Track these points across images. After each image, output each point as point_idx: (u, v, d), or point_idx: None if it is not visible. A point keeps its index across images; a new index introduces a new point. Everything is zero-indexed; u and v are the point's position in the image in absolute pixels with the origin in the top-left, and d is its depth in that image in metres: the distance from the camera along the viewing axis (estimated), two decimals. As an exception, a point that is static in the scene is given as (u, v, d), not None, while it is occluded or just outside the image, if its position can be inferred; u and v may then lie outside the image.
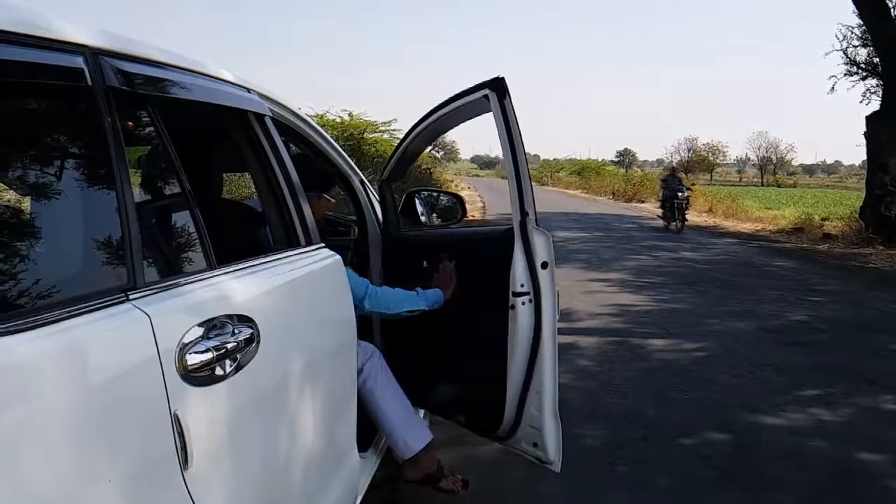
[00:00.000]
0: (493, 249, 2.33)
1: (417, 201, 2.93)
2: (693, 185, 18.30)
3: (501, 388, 2.24)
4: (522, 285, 2.13)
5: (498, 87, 2.10)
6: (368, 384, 2.26)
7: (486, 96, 2.14)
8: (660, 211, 15.64)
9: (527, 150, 2.20)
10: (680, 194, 14.52)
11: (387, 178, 2.83)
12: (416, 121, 2.61)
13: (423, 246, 2.78)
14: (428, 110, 2.51)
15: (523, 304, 2.13)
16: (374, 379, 2.28)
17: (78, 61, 1.07)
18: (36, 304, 0.95)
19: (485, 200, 23.12)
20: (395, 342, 2.75)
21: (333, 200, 2.53)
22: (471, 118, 2.45)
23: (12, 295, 0.94)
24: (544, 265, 2.13)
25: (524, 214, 2.12)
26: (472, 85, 2.21)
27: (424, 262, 2.60)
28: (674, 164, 18.81)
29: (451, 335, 2.45)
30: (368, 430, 2.42)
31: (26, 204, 1.19)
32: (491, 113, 2.18)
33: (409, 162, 2.96)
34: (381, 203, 2.86)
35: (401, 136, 2.85)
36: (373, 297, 2.24)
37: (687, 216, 14.99)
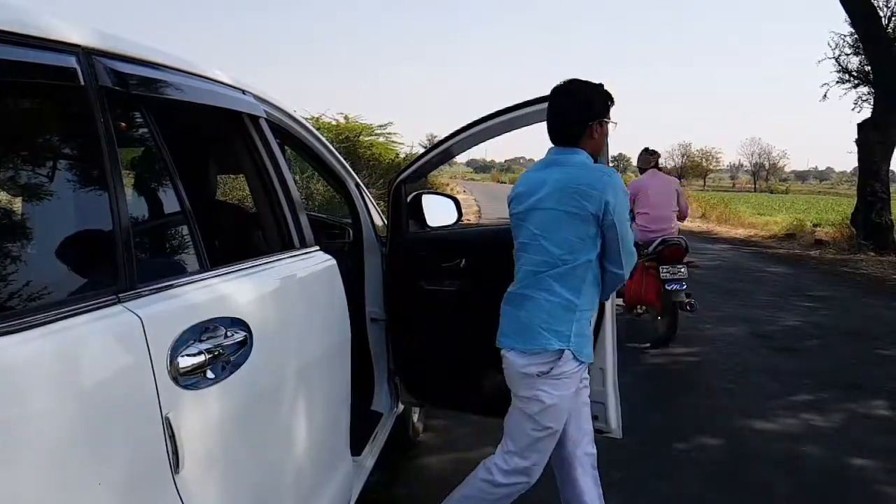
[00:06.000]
0: None
1: (424, 203, 2.83)
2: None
3: None
4: None
5: None
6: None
7: None
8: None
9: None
10: None
11: (405, 180, 2.73)
12: (470, 122, 2.56)
13: (452, 244, 2.75)
14: (493, 111, 2.48)
15: None
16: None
17: (70, 61, 1.06)
18: (26, 306, 0.94)
19: (480, 204, 23.13)
20: (429, 347, 2.71)
21: (617, 123, 2.16)
22: (542, 121, 2.46)
23: (2, 296, 0.93)
24: None
25: None
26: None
27: (462, 261, 2.61)
28: None
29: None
30: (363, 433, 2.42)
31: (17, 204, 1.18)
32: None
33: (437, 165, 2.94)
34: (395, 204, 2.72)
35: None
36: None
37: None
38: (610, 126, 2.10)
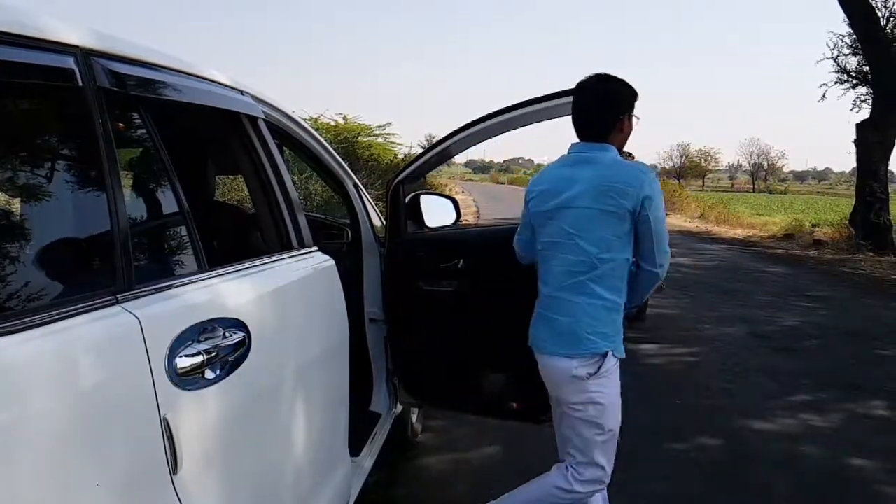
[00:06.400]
0: None
1: (422, 203, 2.81)
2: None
3: None
4: None
5: None
6: None
7: None
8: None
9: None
10: None
11: (403, 180, 2.71)
12: (468, 122, 2.54)
13: (452, 245, 2.74)
14: (491, 111, 2.46)
15: None
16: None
17: (69, 62, 1.07)
18: (24, 307, 0.94)
19: (478, 205, 23.14)
20: (428, 347, 2.70)
21: (640, 118, 2.08)
22: (545, 120, 2.46)
23: (1, 297, 0.93)
24: None
25: None
26: (561, 90, 2.24)
27: (460, 262, 2.60)
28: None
29: (499, 329, 2.47)
30: (361, 433, 2.42)
31: (16, 205, 1.17)
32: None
33: (435, 165, 2.94)
34: (393, 205, 2.71)
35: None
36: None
37: None
38: (634, 121, 2.07)
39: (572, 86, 2.24)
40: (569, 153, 2.04)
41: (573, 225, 1.93)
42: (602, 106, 2.00)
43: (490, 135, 2.62)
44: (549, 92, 2.35)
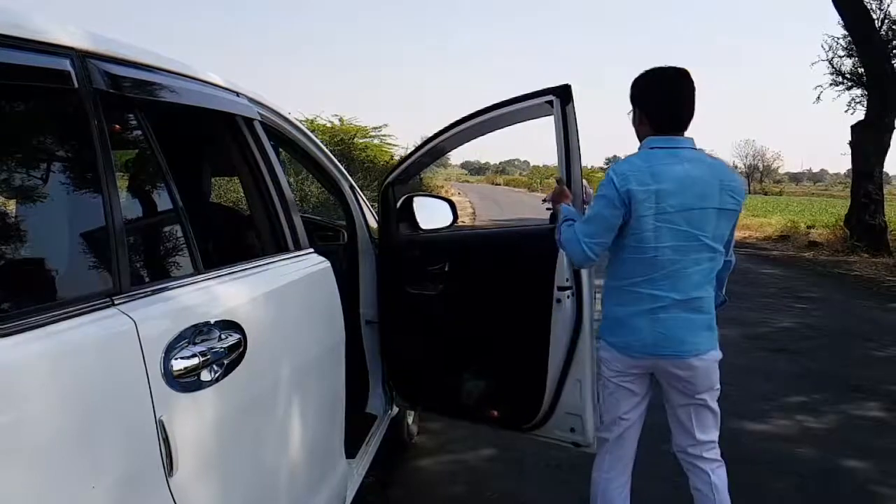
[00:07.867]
0: (530, 248, 2.41)
1: (415, 205, 2.81)
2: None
3: (539, 379, 2.31)
4: (567, 280, 2.21)
5: (563, 93, 2.20)
6: None
7: (549, 102, 2.22)
8: None
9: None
10: None
11: (393, 182, 2.72)
12: (452, 122, 2.54)
13: (437, 248, 2.73)
14: (475, 110, 2.47)
15: (567, 297, 2.22)
16: None
17: (64, 63, 1.07)
18: (20, 309, 0.94)
19: (475, 206, 23.16)
20: (419, 351, 2.69)
21: None
22: (523, 121, 2.48)
23: (-5, 299, 0.93)
24: None
25: None
26: (535, 90, 2.27)
27: (446, 265, 2.60)
28: None
29: (482, 334, 2.49)
30: (357, 435, 2.42)
31: (11, 207, 1.17)
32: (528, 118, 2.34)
33: (424, 165, 2.93)
34: (384, 207, 2.72)
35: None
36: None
37: None
38: None
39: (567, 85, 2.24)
40: (664, 148, 1.93)
41: (699, 226, 1.90)
42: (693, 97, 1.98)
43: (480, 133, 2.62)
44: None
